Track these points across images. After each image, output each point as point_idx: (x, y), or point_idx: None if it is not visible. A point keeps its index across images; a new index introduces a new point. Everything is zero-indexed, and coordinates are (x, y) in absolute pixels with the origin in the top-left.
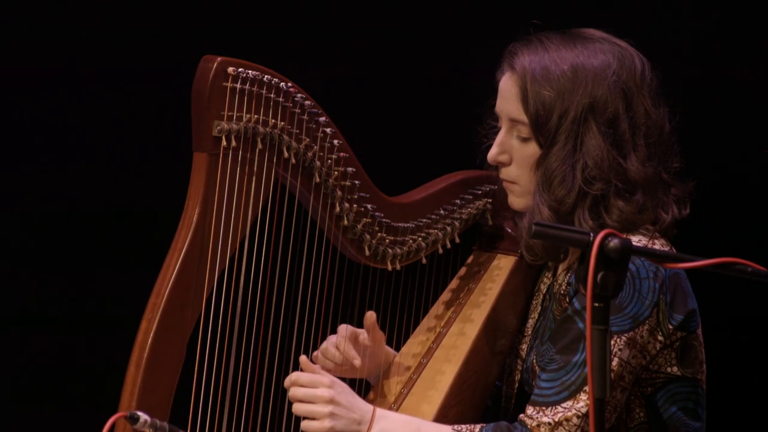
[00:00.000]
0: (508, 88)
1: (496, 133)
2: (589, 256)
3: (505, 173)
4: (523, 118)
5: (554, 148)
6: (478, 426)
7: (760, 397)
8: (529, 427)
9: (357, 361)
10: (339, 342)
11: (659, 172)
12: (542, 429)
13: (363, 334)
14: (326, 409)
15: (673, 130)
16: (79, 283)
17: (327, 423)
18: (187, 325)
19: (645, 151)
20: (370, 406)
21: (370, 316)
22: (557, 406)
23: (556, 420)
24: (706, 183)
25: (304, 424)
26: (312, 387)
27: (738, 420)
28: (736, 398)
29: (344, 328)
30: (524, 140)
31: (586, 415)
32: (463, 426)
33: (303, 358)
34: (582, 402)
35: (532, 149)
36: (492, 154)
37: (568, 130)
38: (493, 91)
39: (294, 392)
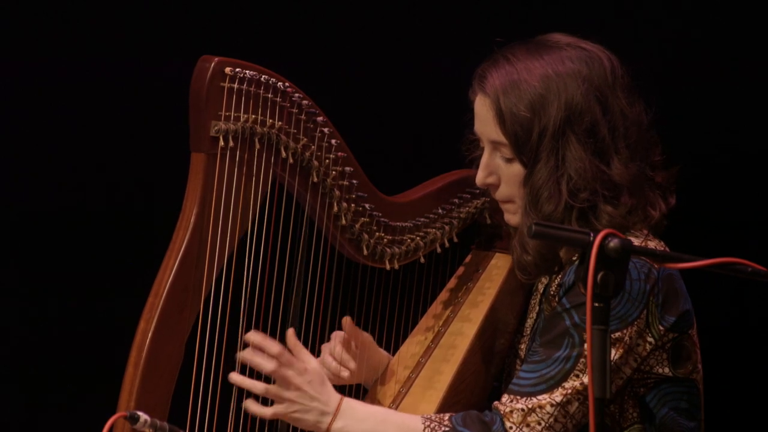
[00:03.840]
0: (483, 112)
1: (478, 146)
2: (589, 256)
3: (498, 194)
4: (503, 140)
5: (537, 165)
6: (447, 415)
7: (760, 397)
8: (501, 412)
9: (352, 364)
10: (333, 349)
11: (643, 170)
12: (515, 414)
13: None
14: (288, 394)
15: (651, 123)
16: (77, 283)
17: (281, 408)
18: (185, 325)
19: (627, 152)
20: (338, 397)
21: (345, 321)
22: (532, 398)
23: (530, 407)
24: (706, 183)
25: (248, 403)
26: (286, 366)
27: (738, 420)
28: (736, 398)
29: (337, 335)
30: (508, 161)
31: (560, 404)
32: (432, 415)
33: (290, 332)
34: (558, 395)
35: (518, 168)
36: (480, 177)
37: (549, 146)
38: None
39: (263, 363)
